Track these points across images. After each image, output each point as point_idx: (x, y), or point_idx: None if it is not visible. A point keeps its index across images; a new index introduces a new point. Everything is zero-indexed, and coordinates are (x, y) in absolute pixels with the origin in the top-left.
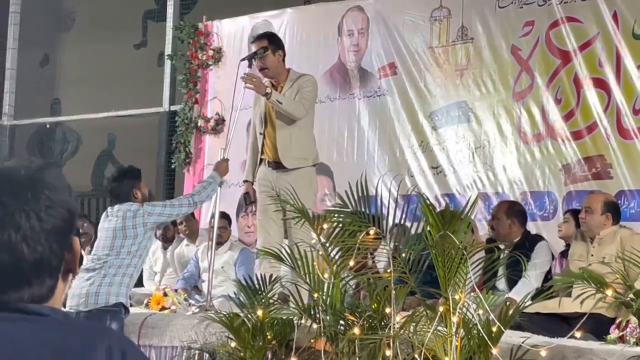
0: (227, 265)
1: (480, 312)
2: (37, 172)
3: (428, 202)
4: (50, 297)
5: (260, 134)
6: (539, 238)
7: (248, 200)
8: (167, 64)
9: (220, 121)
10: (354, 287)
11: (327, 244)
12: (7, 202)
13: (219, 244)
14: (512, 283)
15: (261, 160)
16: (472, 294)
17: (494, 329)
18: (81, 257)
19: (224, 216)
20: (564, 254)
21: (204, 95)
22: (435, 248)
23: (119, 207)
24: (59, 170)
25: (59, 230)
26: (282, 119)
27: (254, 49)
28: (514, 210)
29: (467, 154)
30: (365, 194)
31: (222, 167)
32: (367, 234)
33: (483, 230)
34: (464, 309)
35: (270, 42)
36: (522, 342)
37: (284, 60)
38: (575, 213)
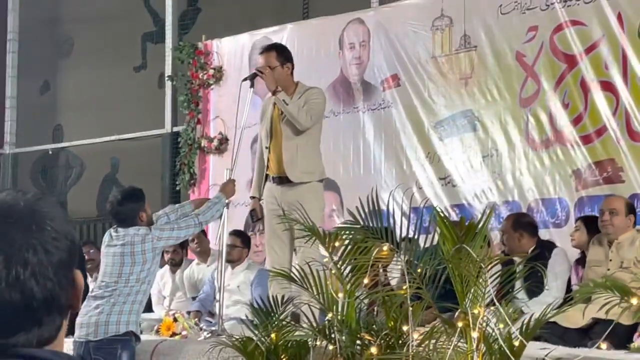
0: (243, 285)
1: (501, 326)
2: (35, 202)
3: (442, 214)
4: (56, 337)
5: (266, 147)
6: (553, 245)
7: (255, 217)
8: (168, 85)
9: (223, 140)
10: (367, 305)
11: (340, 262)
12: (13, 237)
13: (234, 262)
14: (531, 293)
15: (266, 176)
16: (492, 307)
17: (516, 343)
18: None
19: (240, 235)
20: (580, 262)
21: (206, 115)
22: (452, 262)
23: (124, 232)
24: (55, 199)
25: (65, 264)
26: (288, 128)
27: (261, 61)
28: (520, 223)
29: (475, 163)
30: (376, 208)
31: (228, 188)
32: (381, 249)
33: (497, 240)
34: (484, 324)
35: (278, 54)
36: (546, 355)
37: (292, 72)
38: (586, 220)
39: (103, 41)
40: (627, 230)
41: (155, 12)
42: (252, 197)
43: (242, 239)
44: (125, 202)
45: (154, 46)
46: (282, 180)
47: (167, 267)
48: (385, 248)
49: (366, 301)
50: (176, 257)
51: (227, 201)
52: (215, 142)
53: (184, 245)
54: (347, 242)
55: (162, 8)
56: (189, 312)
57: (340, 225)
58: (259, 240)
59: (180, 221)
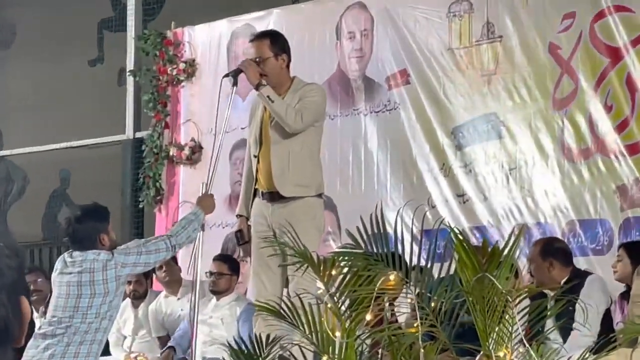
0: (228, 319)
1: None
2: None
3: (461, 237)
4: None
5: (255, 156)
6: (588, 273)
7: (241, 240)
8: (130, 81)
9: (196, 148)
10: (370, 346)
11: (337, 295)
12: None
13: (221, 293)
14: (565, 331)
15: (255, 191)
16: (520, 349)
17: None
18: (32, 322)
19: (227, 260)
20: (625, 296)
21: (176, 117)
22: (472, 294)
23: (82, 256)
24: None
25: (16, 287)
26: (278, 132)
27: (251, 51)
28: (550, 250)
29: (500, 178)
30: (381, 230)
31: (206, 202)
32: (387, 279)
33: (526, 270)
34: None
35: (273, 42)
36: None
37: (288, 66)
38: (630, 247)
39: (51, 30)
40: None
41: None
42: (239, 216)
43: (229, 264)
44: (85, 219)
45: (112, 35)
46: (273, 196)
47: (128, 300)
48: (392, 277)
49: (369, 342)
50: (139, 289)
51: (204, 218)
52: (186, 151)
53: (148, 274)
54: (345, 270)
55: None
56: (161, 352)
57: (337, 250)
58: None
59: (149, 244)
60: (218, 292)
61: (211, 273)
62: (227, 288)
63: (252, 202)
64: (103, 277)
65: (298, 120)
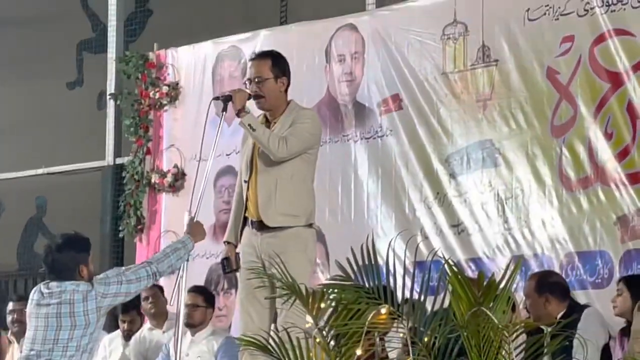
0: (205, 356)
1: None
2: None
3: (455, 268)
4: None
5: (245, 181)
6: (585, 307)
7: (228, 267)
8: (110, 105)
9: (179, 175)
10: None
11: (326, 329)
12: None
13: (195, 326)
14: None
15: (245, 219)
16: None
17: None
18: None
19: (202, 292)
20: (625, 332)
21: (158, 143)
22: (467, 328)
23: (60, 287)
24: None
25: None
26: (264, 160)
27: (251, 70)
28: (546, 284)
29: (496, 207)
30: (372, 262)
31: (196, 229)
32: (379, 313)
33: (523, 304)
34: None
35: (274, 63)
36: None
37: (287, 89)
38: (630, 281)
39: (29, 50)
40: None
41: (95, 15)
42: (227, 243)
43: (204, 296)
44: (66, 249)
45: (92, 57)
46: (262, 225)
47: (119, 331)
48: (383, 311)
49: None
50: (133, 328)
51: (193, 247)
52: (169, 178)
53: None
54: (335, 303)
55: (104, 10)
56: None
57: (326, 282)
58: (222, 301)
59: (129, 272)
60: (192, 325)
61: (185, 305)
62: (202, 321)
63: (242, 229)
64: (84, 309)
65: (282, 149)
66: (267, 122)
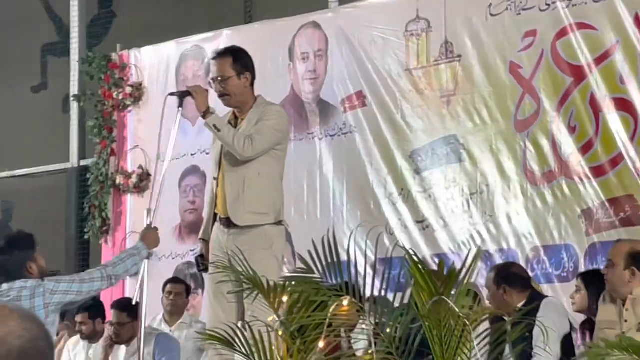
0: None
1: None
2: None
3: (416, 259)
4: None
5: (215, 179)
6: (544, 296)
7: (201, 265)
8: (74, 107)
9: (144, 176)
10: None
11: (289, 321)
12: None
13: (122, 343)
14: (522, 358)
15: (215, 216)
16: None
17: None
18: None
19: (124, 307)
20: (586, 325)
21: (123, 144)
22: (429, 318)
23: (9, 286)
24: None
25: None
26: (231, 159)
27: (214, 69)
28: (503, 275)
29: (461, 203)
30: (334, 255)
31: (150, 236)
32: (340, 305)
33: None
34: None
35: (235, 60)
36: None
37: (252, 84)
38: (586, 277)
39: None
40: (627, 286)
41: (59, 18)
42: (202, 240)
43: (127, 312)
44: (9, 249)
45: (57, 61)
46: (229, 222)
47: (78, 337)
48: (345, 303)
49: None
50: (86, 330)
51: (148, 253)
52: (133, 179)
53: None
54: (296, 295)
55: (67, 13)
56: None
57: (288, 275)
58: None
59: (83, 273)
60: (122, 343)
61: (111, 324)
62: (131, 336)
63: (212, 227)
64: (31, 305)
65: (247, 148)
66: (236, 119)
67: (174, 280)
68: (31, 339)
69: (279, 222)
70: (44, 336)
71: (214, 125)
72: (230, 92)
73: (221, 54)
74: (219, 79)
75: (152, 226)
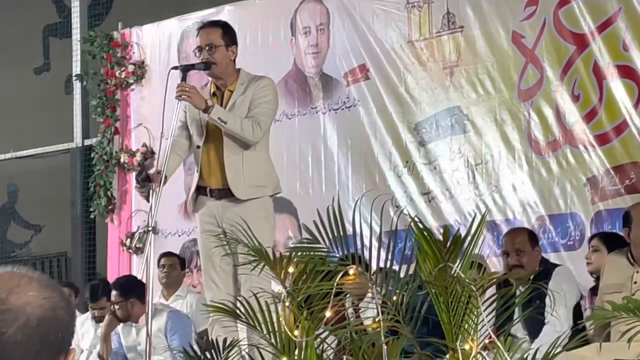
0: (156, 340)
1: None
2: None
3: (421, 226)
4: None
5: (198, 147)
6: (556, 265)
7: (142, 178)
8: (77, 87)
9: (148, 154)
10: (335, 345)
11: (296, 292)
12: None
13: (123, 321)
14: (532, 326)
15: (199, 188)
16: (487, 342)
17: None
18: None
19: (123, 287)
20: (595, 291)
21: (126, 122)
22: (435, 285)
23: None
24: None
25: None
26: (231, 139)
27: (202, 38)
28: (535, 237)
29: (466, 173)
30: (340, 223)
31: None
32: (347, 274)
33: (495, 269)
34: None
35: (225, 32)
36: None
37: (234, 60)
38: (605, 238)
39: None
40: None
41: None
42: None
43: (120, 291)
44: None
45: (58, 42)
46: (224, 194)
47: (89, 314)
48: (351, 272)
49: (329, 340)
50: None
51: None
52: (138, 157)
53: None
54: (302, 265)
55: None
56: None
57: (294, 245)
58: (196, 278)
59: None
60: (123, 321)
61: (112, 303)
62: (128, 315)
63: (196, 198)
64: None
65: (257, 134)
66: (219, 90)
67: (166, 254)
68: (51, 308)
69: (273, 196)
70: (64, 305)
71: (219, 118)
72: (217, 60)
73: (211, 24)
74: (207, 47)
75: (159, 193)
